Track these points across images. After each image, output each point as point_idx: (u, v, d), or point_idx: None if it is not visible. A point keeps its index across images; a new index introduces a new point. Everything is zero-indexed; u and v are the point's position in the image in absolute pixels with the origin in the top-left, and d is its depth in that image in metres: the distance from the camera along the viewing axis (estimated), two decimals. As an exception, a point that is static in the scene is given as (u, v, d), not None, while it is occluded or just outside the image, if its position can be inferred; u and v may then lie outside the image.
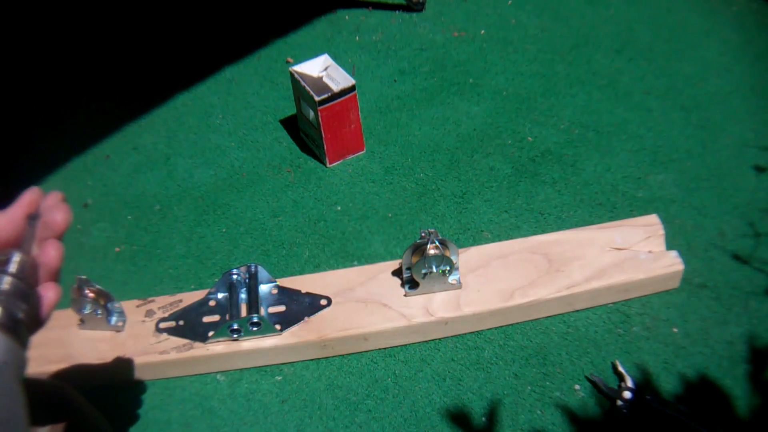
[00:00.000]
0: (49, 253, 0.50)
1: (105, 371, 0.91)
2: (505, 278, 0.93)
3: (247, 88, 1.40)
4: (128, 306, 0.94)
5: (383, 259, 1.02)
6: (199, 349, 0.89)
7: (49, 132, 1.35)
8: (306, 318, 0.91)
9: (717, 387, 0.86)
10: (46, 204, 0.52)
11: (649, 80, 1.31)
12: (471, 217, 1.10)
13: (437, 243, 0.88)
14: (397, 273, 0.95)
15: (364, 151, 1.23)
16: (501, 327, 0.94)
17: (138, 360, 0.89)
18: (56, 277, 0.52)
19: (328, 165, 1.20)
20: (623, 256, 0.94)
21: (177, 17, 1.61)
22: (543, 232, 1.02)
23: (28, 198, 0.51)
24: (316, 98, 1.10)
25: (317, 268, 1.04)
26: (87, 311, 0.88)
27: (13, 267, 0.47)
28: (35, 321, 0.49)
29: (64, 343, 0.91)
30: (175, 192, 1.19)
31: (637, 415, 0.83)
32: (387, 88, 1.36)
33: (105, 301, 0.89)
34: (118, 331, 0.92)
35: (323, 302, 0.93)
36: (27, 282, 0.47)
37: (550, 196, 1.11)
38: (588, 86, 1.31)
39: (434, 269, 0.89)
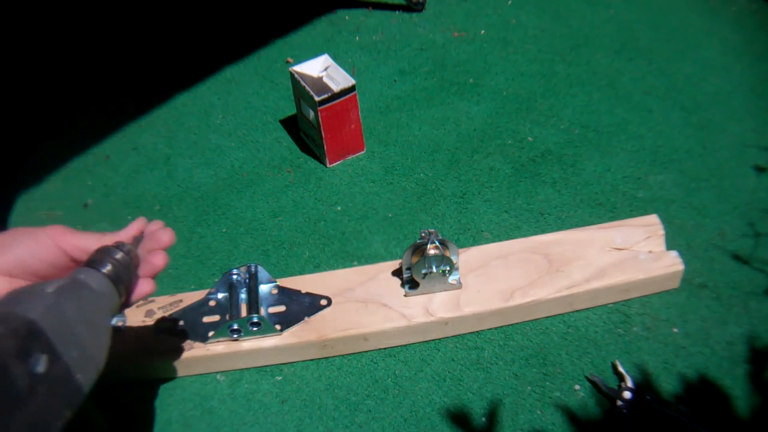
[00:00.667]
0: (157, 257, 0.68)
1: (105, 371, 0.91)
2: (505, 278, 0.93)
3: (247, 88, 1.40)
4: (128, 306, 0.94)
5: (383, 259, 1.02)
6: (199, 349, 0.89)
7: (49, 132, 1.35)
8: (306, 318, 0.91)
9: (717, 387, 0.86)
10: (150, 227, 0.70)
11: (649, 80, 1.31)
12: (471, 217, 1.10)
13: (437, 243, 0.88)
14: (397, 273, 0.95)
15: (364, 151, 1.23)
16: (501, 327, 0.94)
17: (138, 360, 0.89)
18: (154, 277, 0.68)
19: (328, 165, 1.20)
20: (623, 256, 0.94)
21: (177, 17, 1.61)
22: (543, 232, 1.02)
23: (135, 224, 0.69)
24: (316, 98, 1.10)
25: (317, 268, 1.04)
26: (87, 311, 0.88)
27: (126, 248, 0.65)
28: (127, 297, 0.64)
29: (64, 343, 0.90)
30: (175, 192, 1.19)
31: (637, 415, 0.83)
32: (387, 88, 1.36)
33: (105, 301, 0.90)
34: (118, 331, 0.92)
35: (323, 302, 0.93)
36: (131, 262, 0.65)
37: (550, 196, 1.11)
38: (588, 86, 1.31)
39: (434, 269, 0.89)
